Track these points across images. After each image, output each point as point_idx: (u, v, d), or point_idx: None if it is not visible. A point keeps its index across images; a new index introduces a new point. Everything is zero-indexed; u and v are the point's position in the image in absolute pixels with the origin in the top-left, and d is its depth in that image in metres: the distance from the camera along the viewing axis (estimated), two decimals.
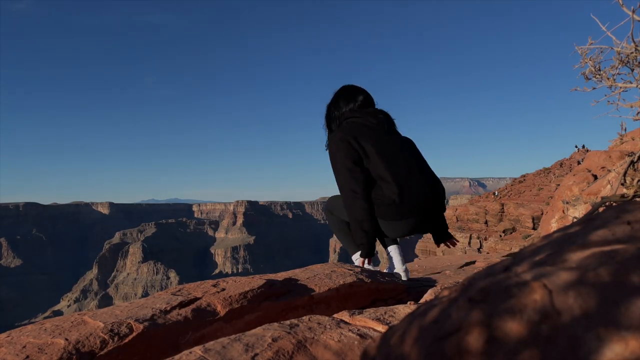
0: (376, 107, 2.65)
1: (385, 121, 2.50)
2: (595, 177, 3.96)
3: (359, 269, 1.83)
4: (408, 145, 2.53)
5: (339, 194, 2.55)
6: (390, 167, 2.34)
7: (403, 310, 1.12)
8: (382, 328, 0.97)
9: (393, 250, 2.51)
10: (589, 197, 3.58)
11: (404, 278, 2.40)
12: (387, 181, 2.32)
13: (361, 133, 2.41)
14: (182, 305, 1.30)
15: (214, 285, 1.49)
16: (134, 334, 1.11)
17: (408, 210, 2.32)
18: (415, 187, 2.35)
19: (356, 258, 2.48)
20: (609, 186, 2.94)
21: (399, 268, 2.45)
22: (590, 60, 1.49)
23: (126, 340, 1.09)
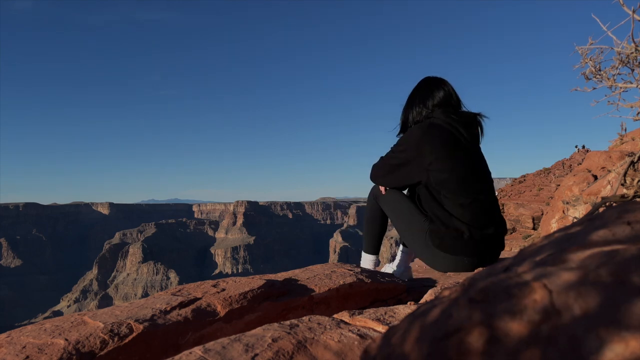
0: (460, 104, 2.17)
1: (479, 136, 2.12)
2: (596, 178, 3.96)
3: (359, 269, 1.83)
4: (487, 169, 2.14)
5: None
6: (470, 192, 1.98)
7: (403, 310, 1.12)
8: (382, 328, 0.96)
9: (407, 251, 2.39)
10: (589, 197, 3.58)
11: (404, 278, 2.39)
12: (462, 205, 1.98)
13: (448, 141, 2.00)
14: (182, 305, 1.30)
15: (214, 286, 1.49)
16: (134, 334, 1.11)
17: (475, 248, 1.99)
18: (490, 223, 2.01)
19: (367, 258, 2.44)
20: (609, 186, 2.94)
21: (400, 266, 2.42)
22: (590, 60, 1.50)
23: (126, 341, 1.09)
